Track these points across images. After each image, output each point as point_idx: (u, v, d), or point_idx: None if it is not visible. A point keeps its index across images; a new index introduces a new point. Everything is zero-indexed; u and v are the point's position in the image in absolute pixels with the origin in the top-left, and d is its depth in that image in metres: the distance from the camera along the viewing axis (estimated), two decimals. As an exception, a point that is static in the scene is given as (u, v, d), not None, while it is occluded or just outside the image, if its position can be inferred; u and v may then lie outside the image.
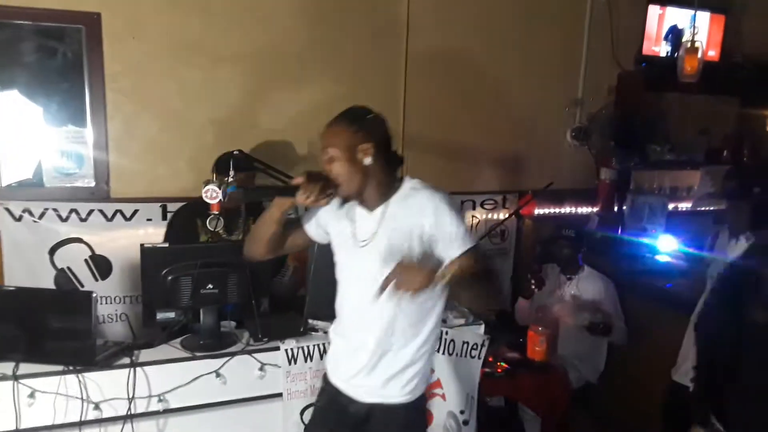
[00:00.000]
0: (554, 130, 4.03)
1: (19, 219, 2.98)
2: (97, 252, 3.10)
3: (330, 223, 1.84)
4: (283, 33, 3.26)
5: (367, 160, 1.65)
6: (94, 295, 1.95)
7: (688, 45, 3.51)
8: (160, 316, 2.18)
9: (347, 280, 1.83)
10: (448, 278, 1.51)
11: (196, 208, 2.64)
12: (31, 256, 3.01)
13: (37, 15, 2.88)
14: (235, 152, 2.63)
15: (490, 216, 3.94)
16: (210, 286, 2.17)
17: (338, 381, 1.85)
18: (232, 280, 2.20)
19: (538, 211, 3.99)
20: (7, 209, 2.97)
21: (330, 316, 2.39)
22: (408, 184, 1.74)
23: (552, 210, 4.06)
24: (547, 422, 2.84)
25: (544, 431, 2.86)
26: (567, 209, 4.11)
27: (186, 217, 2.76)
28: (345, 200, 1.73)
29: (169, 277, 2.13)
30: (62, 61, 3.01)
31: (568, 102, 4.02)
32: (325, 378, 1.93)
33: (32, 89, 2.99)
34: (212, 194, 2.32)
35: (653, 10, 4.04)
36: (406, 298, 1.58)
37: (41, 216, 3.00)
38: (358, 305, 1.77)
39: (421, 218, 1.66)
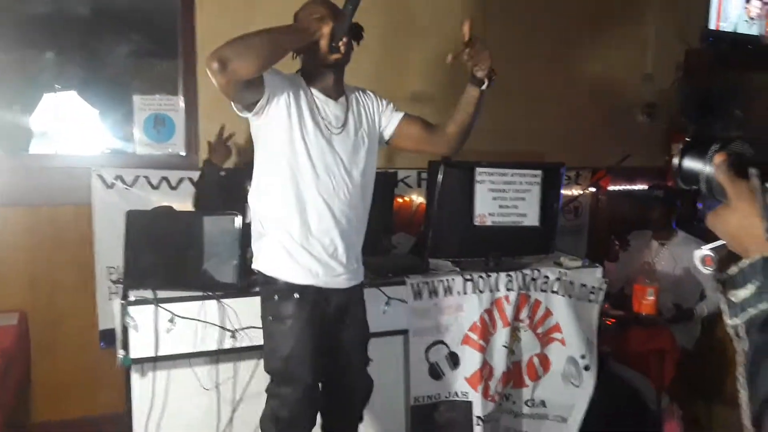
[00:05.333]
0: (625, 106, 4.02)
1: (111, 186, 2.97)
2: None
3: (283, 97, 1.71)
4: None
5: None
6: (238, 216, 1.92)
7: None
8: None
9: (313, 173, 1.71)
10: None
11: None
12: (122, 223, 2.98)
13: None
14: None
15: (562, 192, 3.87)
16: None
17: (322, 281, 1.74)
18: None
19: (612, 187, 3.95)
20: (100, 176, 2.96)
21: (452, 254, 2.37)
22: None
23: (625, 187, 4.02)
24: (657, 382, 2.75)
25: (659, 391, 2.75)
26: (639, 187, 4.07)
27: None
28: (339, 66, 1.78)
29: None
30: (157, 29, 3.06)
31: (638, 78, 4.03)
32: (294, 290, 1.72)
33: (125, 56, 3.04)
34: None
35: (718, -14, 4.07)
36: None
37: (133, 183, 3.00)
38: (329, 197, 1.73)
39: (375, 111, 1.88)
